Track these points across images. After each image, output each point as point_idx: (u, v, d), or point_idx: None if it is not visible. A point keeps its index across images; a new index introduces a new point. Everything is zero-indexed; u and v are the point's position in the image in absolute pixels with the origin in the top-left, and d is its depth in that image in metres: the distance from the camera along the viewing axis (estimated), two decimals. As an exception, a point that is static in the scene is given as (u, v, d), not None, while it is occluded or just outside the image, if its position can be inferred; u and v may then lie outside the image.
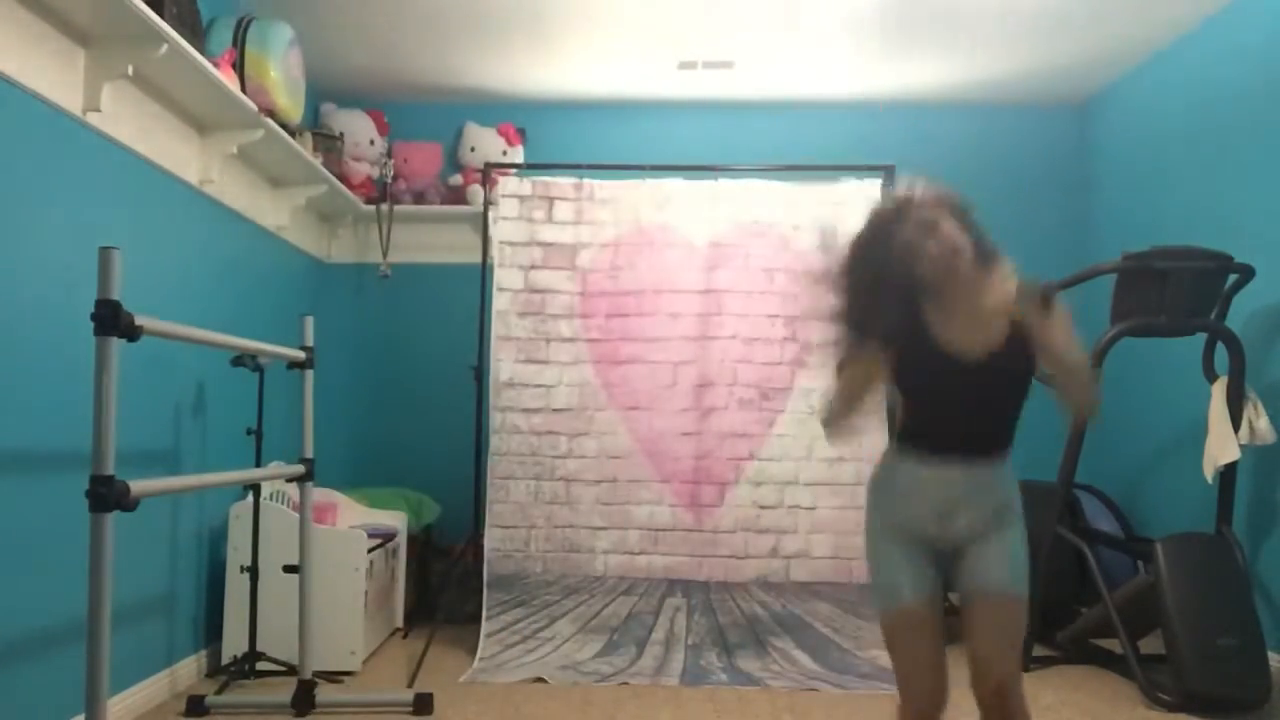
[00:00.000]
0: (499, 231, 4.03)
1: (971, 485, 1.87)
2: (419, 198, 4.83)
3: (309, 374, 3.13)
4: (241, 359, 3.38)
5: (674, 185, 4.07)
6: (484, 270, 4.02)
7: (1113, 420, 4.52)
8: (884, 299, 1.82)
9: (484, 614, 3.75)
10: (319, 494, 3.76)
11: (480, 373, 3.96)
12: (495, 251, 4.01)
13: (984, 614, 1.84)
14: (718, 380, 3.92)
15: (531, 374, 3.95)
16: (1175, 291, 3.39)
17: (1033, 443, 4.54)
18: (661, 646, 3.65)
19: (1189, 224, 4.03)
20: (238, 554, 3.45)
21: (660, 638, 3.69)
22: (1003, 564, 1.86)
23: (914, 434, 1.92)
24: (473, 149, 4.86)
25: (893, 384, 1.92)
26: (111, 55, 2.67)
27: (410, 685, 3.30)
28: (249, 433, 3.45)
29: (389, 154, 4.85)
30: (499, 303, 3.97)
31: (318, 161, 4.09)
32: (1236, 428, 3.41)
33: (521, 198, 4.04)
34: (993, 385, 1.87)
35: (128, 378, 2.29)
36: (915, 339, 1.86)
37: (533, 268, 4.01)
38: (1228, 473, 3.47)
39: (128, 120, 2.91)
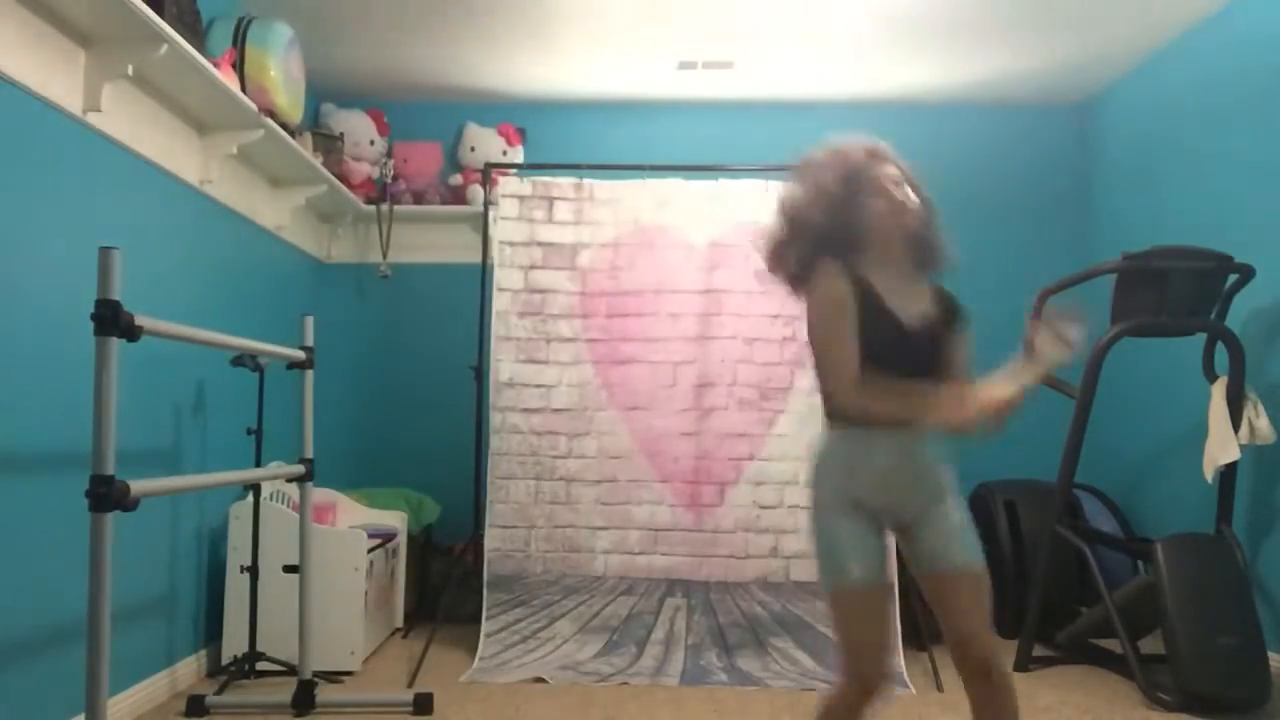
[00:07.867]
0: (499, 231, 4.03)
1: (921, 458, 1.84)
2: (419, 198, 4.83)
3: (309, 374, 3.13)
4: (241, 359, 3.38)
5: (674, 185, 4.06)
6: (484, 270, 4.02)
7: (1113, 420, 4.52)
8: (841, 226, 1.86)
9: (484, 614, 3.74)
10: (319, 494, 3.76)
11: (480, 373, 3.96)
12: (495, 251, 4.01)
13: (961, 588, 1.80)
14: (718, 380, 3.92)
15: (531, 374, 3.95)
16: (1175, 291, 3.39)
17: (1033, 443, 4.59)
18: (661, 646, 3.65)
19: (1189, 224, 4.03)
20: (238, 554, 3.45)
21: (660, 638, 3.69)
22: (963, 536, 1.82)
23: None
24: (473, 149, 4.86)
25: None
26: (111, 55, 2.67)
27: (410, 685, 3.30)
28: (249, 433, 3.45)
29: (389, 154, 4.85)
30: (499, 303, 3.97)
31: (318, 161, 4.09)
32: (1236, 428, 3.41)
33: (521, 198, 4.04)
34: (931, 351, 1.87)
35: (128, 378, 2.30)
36: (867, 299, 1.85)
37: (533, 268, 4.01)
38: (1228, 473, 3.47)
39: (128, 120, 2.91)
